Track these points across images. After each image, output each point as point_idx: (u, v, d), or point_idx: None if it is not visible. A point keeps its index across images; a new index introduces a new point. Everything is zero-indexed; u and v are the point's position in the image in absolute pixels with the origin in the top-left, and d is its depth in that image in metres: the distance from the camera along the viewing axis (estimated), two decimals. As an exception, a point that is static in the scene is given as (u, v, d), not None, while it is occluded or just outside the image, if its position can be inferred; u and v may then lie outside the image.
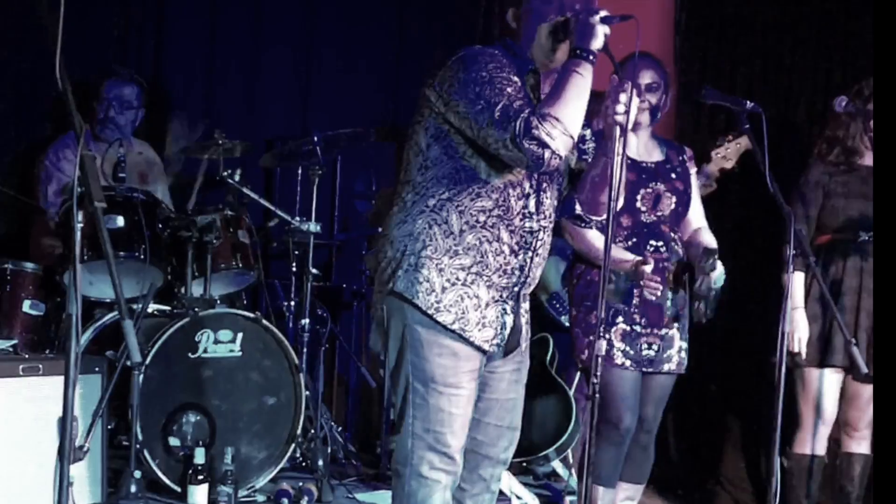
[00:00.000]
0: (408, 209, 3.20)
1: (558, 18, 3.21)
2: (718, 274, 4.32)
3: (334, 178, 5.99)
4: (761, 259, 5.44)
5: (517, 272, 3.25)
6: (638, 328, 4.32)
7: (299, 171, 5.61)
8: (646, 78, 4.43)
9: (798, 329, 4.71)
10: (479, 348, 3.21)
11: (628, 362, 4.29)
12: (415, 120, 3.23)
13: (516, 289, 3.28)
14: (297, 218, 5.23)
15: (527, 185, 3.23)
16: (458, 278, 3.18)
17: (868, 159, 4.74)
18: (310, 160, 5.23)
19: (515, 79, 3.13)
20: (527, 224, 3.24)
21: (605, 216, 3.41)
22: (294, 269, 5.41)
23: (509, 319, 3.28)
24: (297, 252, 5.38)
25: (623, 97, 3.17)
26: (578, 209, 3.46)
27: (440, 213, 3.16)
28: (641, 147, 4.47)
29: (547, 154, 3.02)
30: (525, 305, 3.39)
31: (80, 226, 2.65)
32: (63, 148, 5.24)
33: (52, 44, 2.75)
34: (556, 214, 3.43)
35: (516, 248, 3.23)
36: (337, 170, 5.99)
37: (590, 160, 3.46)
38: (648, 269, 4.21)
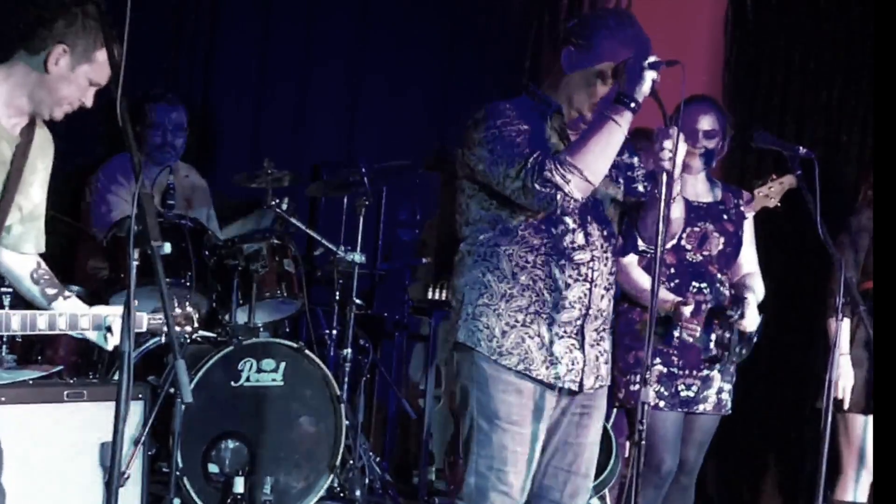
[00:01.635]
0: (463, 261, 3.37)
1: (604, 65, 3.26)
2: (749, 322, 4.28)
3: (379, 208, 6.00)
4: (807, 300, 5.41)
5: (577, 305, 3.31)
6: (675, 370, 4.31)
7: (345, 200, 5.61)
8: (704, 124, 4.40)
9: (843, 376, 4.65)
10: (549, 385, 3.28)
11: (662, 403, 4.28)
12: (456, 183, 3.41)
13: (579, 322, 3.32)
14: (342, 247, 5.24)
15: (569, 221, 3.30)
16: (517, 320, 3.27)
17: (917, 206, 4.70)
18: (356, 190, 5.24)
19: (526, 127, 3.24)
20: (577, 256, 3.30)
21: (668, 245, 3.50)
22: (337, 297, 5.40)
23: (579, 355, 3.32)
24: (340, 281, 5.37)
25: (668, 143, 3.19)
26: (642, 245, 3.50)
27: (491, 259, 3.31)
28: (696, 187, 4.45)
29: (559, 196, 3.16)
30: (604, 345, 3.41)
31: (135, 264, 2.67)
32: (114, 171, 5.26)
33: (114, 82, 2.77)
34: (620, 251, 3.50)
35: (570, 281, 3.29)
36: (382, 199, 6.00)
37: (640, 188, 3.46)
38: (688, 311, 4.20)
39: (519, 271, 3.27)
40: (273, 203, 4.92)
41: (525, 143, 3.20)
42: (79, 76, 3.08)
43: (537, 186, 3.13)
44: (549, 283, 3.28)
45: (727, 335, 4.28)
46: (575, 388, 3.33)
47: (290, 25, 6.15)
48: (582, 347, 3.33)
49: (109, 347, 3.19)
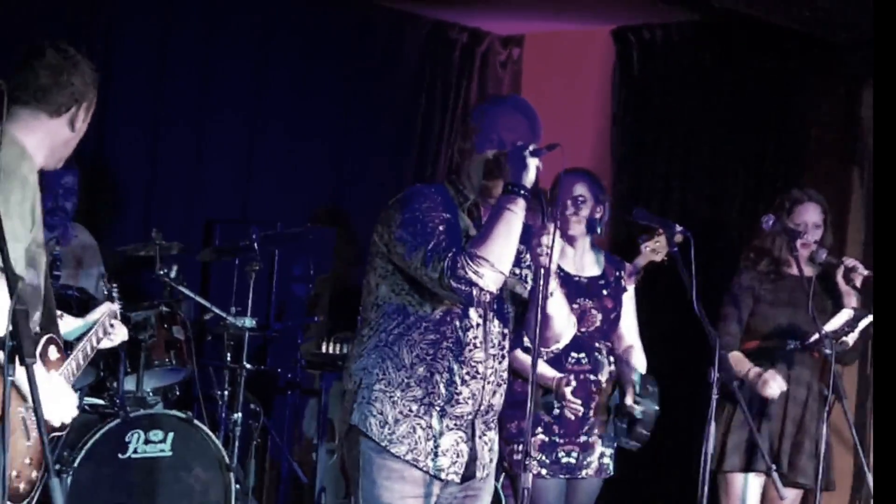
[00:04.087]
0: (363, 344, 3.39)
1: (489, 154, 3.36)
2: (649, 403, 4.43)
3: (272, 268, 6.01)
4: (691, 361, 5.53)
5: (470, 401, 3.37)
6: (556, 438, 4.42)
7: (236, 262, 5.63)
8: (575, 191, 4.54)
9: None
10: (435, 476, 3.34)
11: (545, 471, 4.39)
12: (367, 260, 3.42)
13: (471, 417, 3.40)
14: (233, 309, 5.26)
15: (473, 316, 3.37)
16: (410, 410, 3.33)
17: (794, 269, 4.87)
18: (247, 254, 5.26)
19: (447, 216, 3.31)
20: (476, 354, 3.37)
21: (553, 347, 3.56)
22: (228, 358, 5.41)
23: (465, 447, 3.40)
24: (231, 343, 5.39)
25: (545, 239, 3.29)
26: (527, 342, 3.57)
27: (392, 347, 3.34)
28: (578, 260, 4.56)
29: (475, 291, 3.24)
30: (490, 434, 3.49)
31: (11, 380, 2.68)
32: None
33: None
34: (510, 346, 3.54)
35: (467, 377, 3.36)
36: (275, 261, 6.01)
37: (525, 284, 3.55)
38: (569, 391, 4.31)
39: (418, 362, 3.32)
40: (161, 272, 4.93)
41: (444, 234, 3.25)
42: (85, 125, 3.22)
43: (453, 283, 3.17)
44: (445, 377, 3.33)
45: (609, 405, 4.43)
46: (457, 480, 3.39)
47: (184, 77, 6.13)
48: (471, 440, 3.41)
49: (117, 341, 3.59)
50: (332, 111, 6.58)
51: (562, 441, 4.43)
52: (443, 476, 3.36)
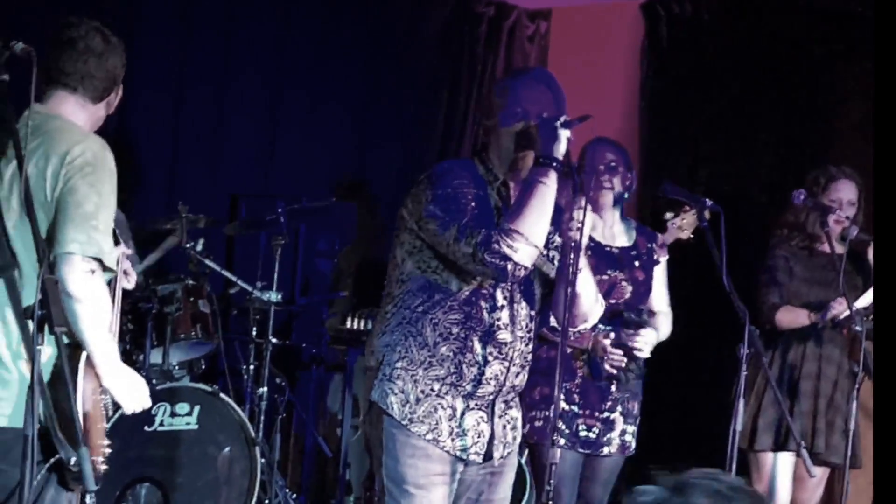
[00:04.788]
0: (387, 320, 3.35)
1: (518, 125, 3.31)
2: (640, 345, 4.35)
3: (297, 242, 6.00)
4: (717, 335, 5.50)
5: (493, 382, 3.34)
6: (575, 408, 4.35)
7: (261, 236, 5.62)
8: (606, 157, 4.47)
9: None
10: (457, 457, 3.32)
11: (563, 441, 4.30)
12: (395, 235, 3.38)
13: (492, 397, 3.37)
14: (258, 284, 5.25)
15: (499, 297, 3.33)
16: (432, 389, 3.29)
17: (826, 246, 4.83)
18: (273, 228, 5.25)
19: (479, 192, 3.26)
20: (500, 335, 3.33)
21: (581, 326, 3.55)
22: (254, 333, 5.41)
23: (486, 427, 3.37)
24: (257, 317, 5.38)
25: (577, 214, 3.26)
26: (553, 322, 3.57)
27: (415, 325, 3.30)
28: (608, 230, 4.50)
29: (510, 266, 3.16)
30: (511, 413, 3.46)
31: (40, 349, 2.67)
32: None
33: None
34: (536, 326, 3.51)
35: (490, 358, 3.32)
36: (300, 235, 6.00)
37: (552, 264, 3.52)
38: (608, 342, 4.27)
39: (441, 341, 3.28)
40: (188, 245, 4.92)
41: (477, 210, 3.21)
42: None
43: (487, 258, 3.13)
44: (469, 357, 3.29)
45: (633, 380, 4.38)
46: (479, 460, 3.37)
47: (207, 52, 6.10)
48: (490, 420, 3.38)
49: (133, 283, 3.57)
50: (357, 86, 6.54)
51: (581, 413, 4.37)
52: (465, 456, 3.33)
